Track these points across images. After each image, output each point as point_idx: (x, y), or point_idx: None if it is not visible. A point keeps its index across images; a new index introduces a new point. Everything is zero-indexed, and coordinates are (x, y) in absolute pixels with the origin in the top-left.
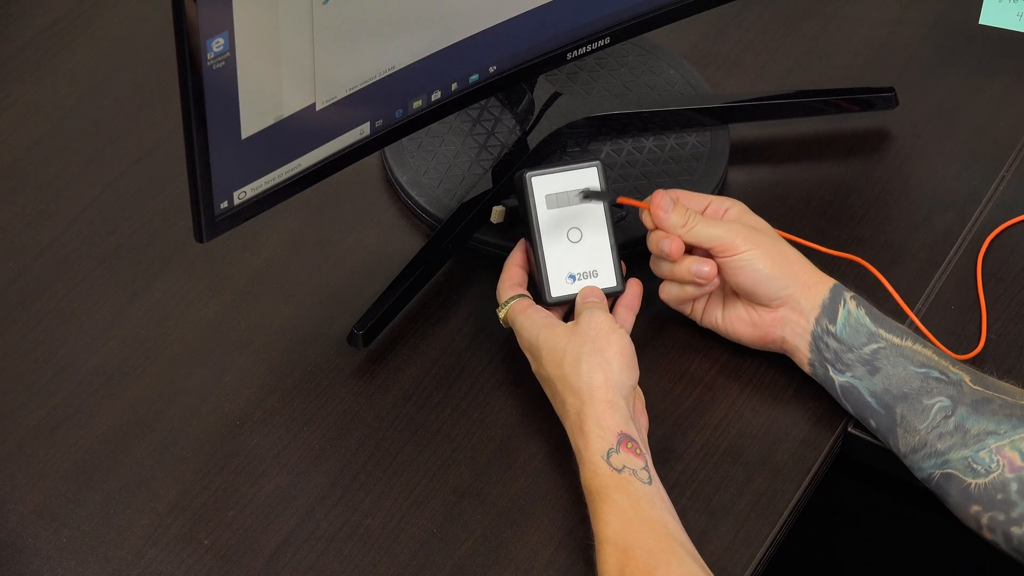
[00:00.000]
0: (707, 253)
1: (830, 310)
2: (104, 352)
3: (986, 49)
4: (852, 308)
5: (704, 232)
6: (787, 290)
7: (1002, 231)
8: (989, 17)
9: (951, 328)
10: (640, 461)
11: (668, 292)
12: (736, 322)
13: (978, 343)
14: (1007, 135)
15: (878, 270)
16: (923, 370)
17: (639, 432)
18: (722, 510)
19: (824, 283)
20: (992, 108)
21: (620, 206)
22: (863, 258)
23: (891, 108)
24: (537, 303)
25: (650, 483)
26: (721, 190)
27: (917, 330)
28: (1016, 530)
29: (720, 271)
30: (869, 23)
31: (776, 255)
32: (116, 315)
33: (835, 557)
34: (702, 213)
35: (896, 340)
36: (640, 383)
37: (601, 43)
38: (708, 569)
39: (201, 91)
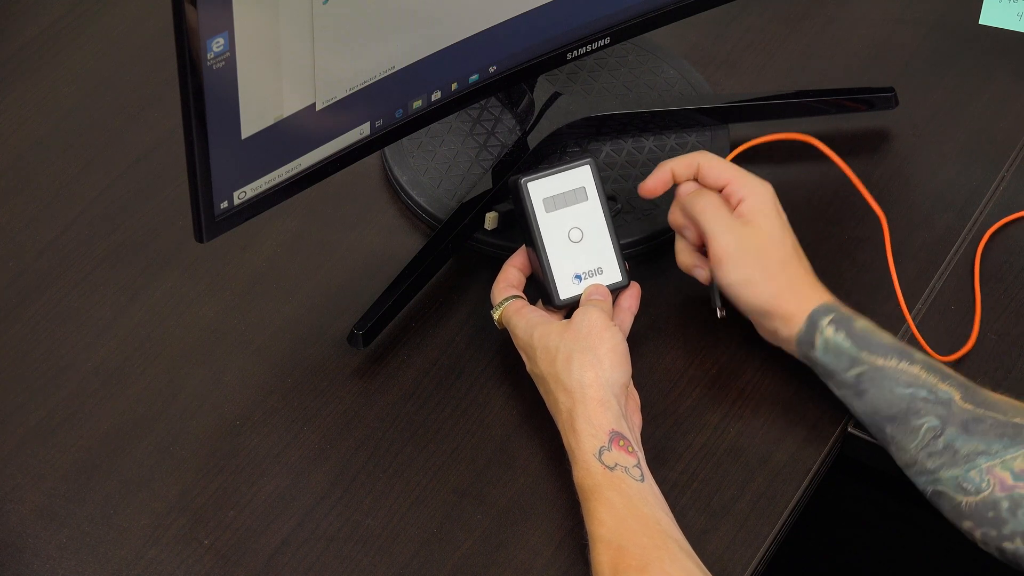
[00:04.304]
0: None
1: (807, 341)
2: (104, 352)
3: (986, 49)
4: (830, 335)
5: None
6: (765, 319)
7: (1002, 231)
8: (989, 17)
9: (951, 328)
10: (632, 459)
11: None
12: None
13: (971, 342)
14: (1007, 135)
15: (878, 270)
16: (909, 391)
17: (631, 430)
18: (722, 510)
19: (802, 311)
20: (992, 108)
21: (615, 199)
22: (863, 258)
23: (891, 108)
24: (547, 307)
25: (643, 480)
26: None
27: (909, 340)
28: (1008, 545)
29: None
30: (869, 23)
31: (756, 283)
32: (116, 315)
33: (835, 557)
34: (720, 191)
35: (880, 362)
36: (640, 383)
37: (601, 43)
38: (702, 564)
39: (201, 91)
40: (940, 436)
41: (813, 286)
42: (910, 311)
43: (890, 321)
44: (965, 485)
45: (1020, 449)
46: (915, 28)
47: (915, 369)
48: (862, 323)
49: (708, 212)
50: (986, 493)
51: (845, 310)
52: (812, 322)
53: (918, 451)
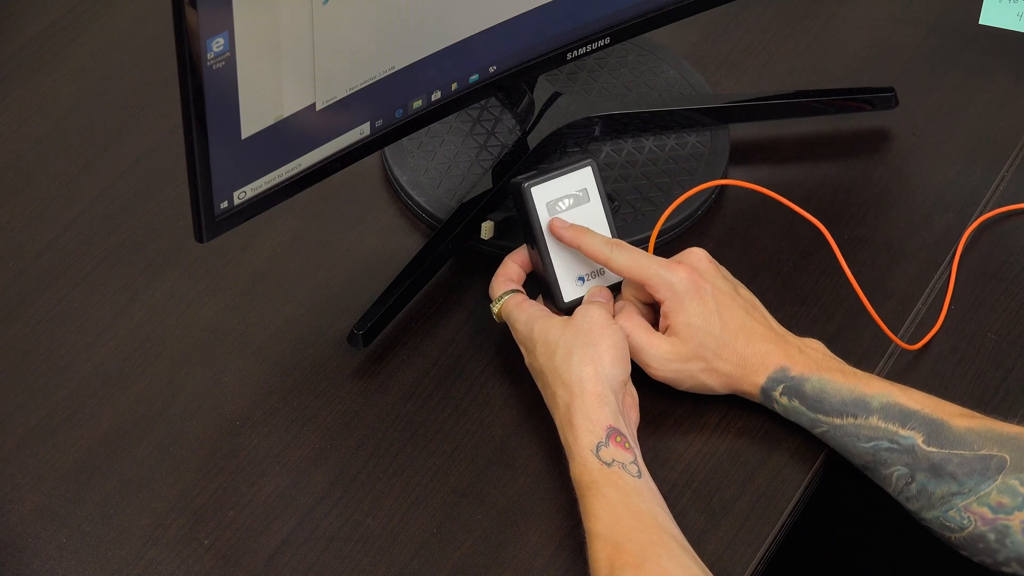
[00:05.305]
0: None
1: (769, 407)
2: (104, 352)
3: (986, 49)
4: (785, 403)
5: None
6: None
7: (1002, 230)
8: (989, 17)
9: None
10: (629, 455)
11: None
12: None
13: (937, 326)
14: (1007, 135)
15: (878, 270)
16: (871, 444)
17: (628, 427)
18: (722, 510)
19: (755, 386)
20: (992, 108)
21: (613, 198)
22: (863, 258)
23: (891, 108)
24: (548, 305)
25: (640, 476)
26: (721, 191)
27: (911, 338)
28: (1007, 570)
29: None
30: (869, 23)
31: (706, 384)
32: (116, 315)
33: (835, 557)
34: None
35: (837, 421)
36: (640, 383)
37: (601, 43)
38: (699, 560)
39: (201, 91)
40: (912, 482)
41: (760, 355)
42: (910, 311)
43: (890, 320)
44: (948, 524)
45: (992, 482)
46: (915, 28)
47: (873, 421)
48: (815, 381)
49: (632, 337)
50: (970, 529)
51: (796, 371)
52: (766, 395)
53: (896, 495)
